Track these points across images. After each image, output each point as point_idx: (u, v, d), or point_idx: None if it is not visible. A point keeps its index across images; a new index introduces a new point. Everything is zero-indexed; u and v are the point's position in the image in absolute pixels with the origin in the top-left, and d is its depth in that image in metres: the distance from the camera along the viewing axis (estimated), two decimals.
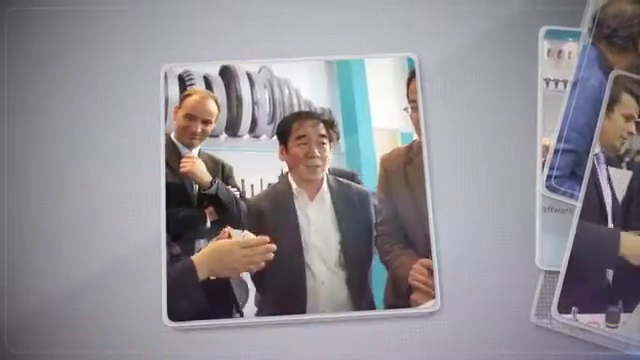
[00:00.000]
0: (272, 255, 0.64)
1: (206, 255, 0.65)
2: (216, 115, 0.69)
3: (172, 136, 0.69)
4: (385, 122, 0.70)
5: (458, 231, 0.67)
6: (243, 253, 0.64)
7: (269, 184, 0.68)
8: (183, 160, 0.68)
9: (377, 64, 0.71)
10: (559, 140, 0.68)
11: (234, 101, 0.70)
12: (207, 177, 0.68)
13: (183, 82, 0.70)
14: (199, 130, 0.69)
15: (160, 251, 0.65)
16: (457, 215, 0.68)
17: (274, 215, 0.66)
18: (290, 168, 0.68)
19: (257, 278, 0.65)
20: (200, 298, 0.63)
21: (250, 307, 0.64)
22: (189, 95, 0.70)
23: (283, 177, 0.68)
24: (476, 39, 0.73)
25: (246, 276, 0.65)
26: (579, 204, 0.66)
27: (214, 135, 0.69)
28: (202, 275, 0.64)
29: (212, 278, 0.64)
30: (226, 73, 0.70)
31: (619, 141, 0.67)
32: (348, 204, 0.68)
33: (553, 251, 0.66)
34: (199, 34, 0.73)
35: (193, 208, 0.67)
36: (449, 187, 0.68)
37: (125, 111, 0.71)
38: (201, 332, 0.65)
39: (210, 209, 0.67)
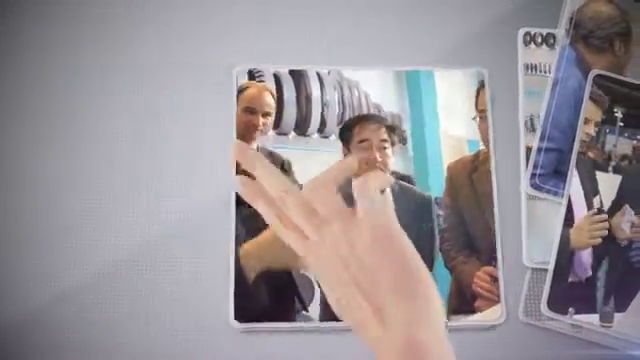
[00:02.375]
0: None
1: (252, 246, 0.65)
2: (274, 107, 0.70)
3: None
4: (453, 129, 0.70)
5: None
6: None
7: None
8: None
9: (446, 74, 0.71)
10: (542, 139, 0.69)
11: (303, 100, 0.70)
12: None
13: (253, 78, 0.70)
14: (260, 123, 0.69)
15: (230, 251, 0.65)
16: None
17: None
18: None
19: None
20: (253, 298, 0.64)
21: (315, 307, 0.64)
22: (245, 89, 0.70)
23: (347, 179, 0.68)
24: None
25: (311, 274, 0.64)
26: (564, 201, 0.67)
27: (283, 133, 0.69)
28: (250, 272, 0.64)
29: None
30: (296, 73, 0.71)
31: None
32: (409, 208, 0.67)
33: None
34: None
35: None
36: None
37: (117, 112, 0.71)
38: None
39: None
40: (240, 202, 0.66)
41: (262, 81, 0.70)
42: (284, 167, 0.68)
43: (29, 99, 0.70)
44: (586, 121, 0.69)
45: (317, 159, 0.68)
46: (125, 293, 0.65)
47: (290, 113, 0.70)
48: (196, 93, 0.71)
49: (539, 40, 0.72)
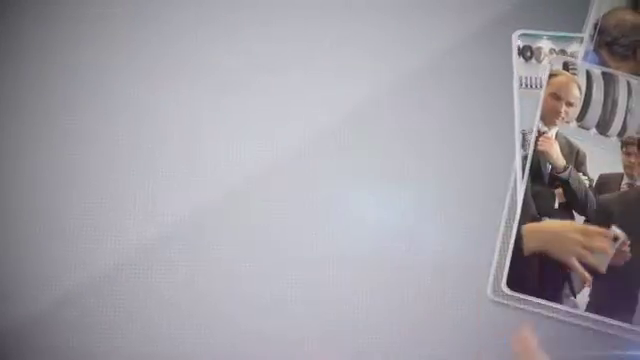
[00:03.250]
0: (609, 256, 0.66)
1: (539, 228, 0.68)
2: (578, 99, 0.72)
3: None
4: None
5: None
6: (577, 238, 0.66)
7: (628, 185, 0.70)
8: (541, 139, 0.71)
9: None
10: None
11: (610, 103, 0.72)
12: (561, 161, 0.71)
13: (567, 70, 0.73)
14: (563, 111, 0.72)
15: None
16: None
17: (624, 218, 0.68)
18: None
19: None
20: (524, 270, 0.67)
21: (583, 297, 0.67)
22: (556, 76, 0.73)
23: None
24: None
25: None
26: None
27: (584, 127, 0.72)
28: (528, 249, 0.67)
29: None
30: (607, 75, 0.73)
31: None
32: None
33: None
34: None
35: (544, 186, 0.70)
36: None
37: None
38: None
39: (559, 191, 0.70)
40: (534, 179, 0.70)
41: (574, 74, 0.73)
42: (578, 157, 0.71)
43: (28, 99, 0.71)
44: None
45: (612, 160, 0.70)
46: (123, 296, 0.66)
47: (595, 111, 0.72)
48: (193, 93, 0.72)
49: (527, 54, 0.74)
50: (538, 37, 0.75)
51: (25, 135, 0.70)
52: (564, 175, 0.70)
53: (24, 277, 0.67)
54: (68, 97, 0.72)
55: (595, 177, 0.70)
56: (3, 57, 0.72)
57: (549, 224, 0.68)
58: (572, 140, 0.71)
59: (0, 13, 0.73)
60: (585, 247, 0.66)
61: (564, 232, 0.67)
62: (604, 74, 0.73)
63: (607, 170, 0.70)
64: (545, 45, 0.74)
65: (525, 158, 0.70)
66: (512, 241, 0.68)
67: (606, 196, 0.69)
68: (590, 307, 0.66)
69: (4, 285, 0.66)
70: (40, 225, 0.68)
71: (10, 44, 0.73)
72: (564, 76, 0.73)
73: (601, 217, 0.68)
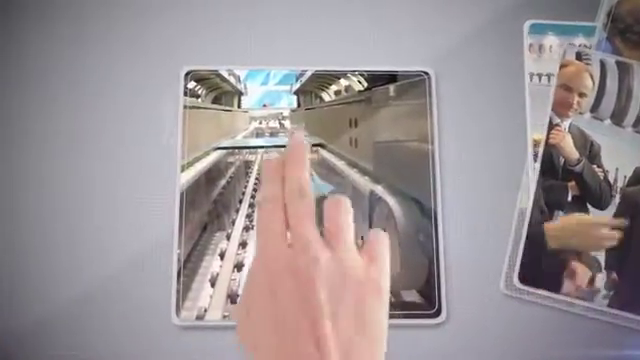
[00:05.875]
0: None
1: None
2: (591, 90, 0.71)
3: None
4: None
5: None
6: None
7: None
8: (553, 131, 0.70)
9: None
10: None
11: (624, 93, 0.71)
12: (574, 154, 0.69)
13: (580, 60, 0.71)
14: (575, 102, 0.70)
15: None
16: None
17: None
18: None
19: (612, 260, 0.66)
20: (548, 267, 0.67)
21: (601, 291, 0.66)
22: (565, 66, 0.71)
23: None
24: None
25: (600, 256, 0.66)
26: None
27: (598, 118, 0.70)
28: (553, 245, 0.67)
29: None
30: (621, 64, 0.71)
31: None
32: None
33: None
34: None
35: (557, 180, 0.69)
36: None
37: (138, 110, 0.71)
38: None
39: (572, 183, 0.69)
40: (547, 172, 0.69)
41: (588, 64, 0.71)
42: (592, 149, 0.69)
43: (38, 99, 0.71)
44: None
45: (627, 152, 0.69)
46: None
47: (609, 101, 0.71)
48: None
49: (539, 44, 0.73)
50: (549, 27, 0.73)
51: (30, 134, 0.70)
52: (577, 168, 0.69)
53: (31, 278, 0.67)
54: (75, 97, 0.71)
55: (612, 169, 0.68)
56: (4, 58, 0.72)
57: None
58: (586, 132, 0.70)
59: (2, 13, 0.73)
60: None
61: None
62: (618, 63, 0.71)
63: (623, 162, 0.68)
64: (557, 35, 0.73)
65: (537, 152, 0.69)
66: (524, 235, 0.67)
67: (633, 188, 0.68)
68: (613, 301, 0.66)
69: (9, 286, 0.66)
70: (48, 225, 0.68)
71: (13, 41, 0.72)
72: (574, 66, 0.71)
73: (627, 209, 0.67)
